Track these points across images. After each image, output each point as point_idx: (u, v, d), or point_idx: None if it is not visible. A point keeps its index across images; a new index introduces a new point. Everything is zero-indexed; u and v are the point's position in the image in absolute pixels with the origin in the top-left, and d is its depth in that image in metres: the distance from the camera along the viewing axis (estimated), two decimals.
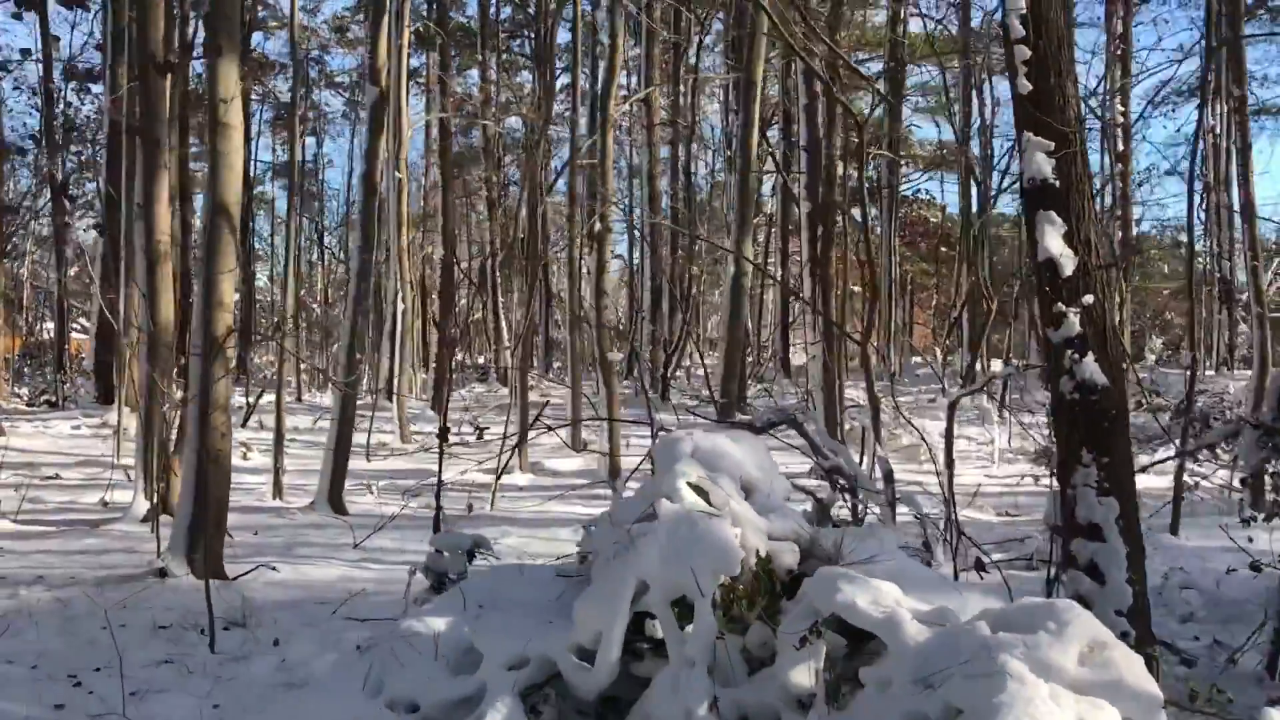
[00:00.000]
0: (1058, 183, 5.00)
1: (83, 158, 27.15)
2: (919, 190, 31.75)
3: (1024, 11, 5.05)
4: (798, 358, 32.52)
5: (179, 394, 9.16)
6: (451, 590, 4.14)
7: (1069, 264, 4.95)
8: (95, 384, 22.69)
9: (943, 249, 30.80)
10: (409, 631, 3.86)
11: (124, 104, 18.24)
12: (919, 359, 34.19)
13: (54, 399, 22.73)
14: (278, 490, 12.32)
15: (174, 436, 10.74)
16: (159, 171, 10.44)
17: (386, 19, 11.66)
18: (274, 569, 8.32)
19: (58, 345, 26.53)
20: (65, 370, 24.63)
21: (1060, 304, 4.95)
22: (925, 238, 33.46)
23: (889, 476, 7.74)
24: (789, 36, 9.55)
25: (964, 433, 20.02)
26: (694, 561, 3.74)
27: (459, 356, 32.43)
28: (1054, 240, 4.95)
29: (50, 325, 31.39)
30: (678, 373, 27.37)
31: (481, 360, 35.28)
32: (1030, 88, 5.04)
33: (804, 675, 3.55)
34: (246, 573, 8.26)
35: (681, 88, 28.16)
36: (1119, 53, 17.03)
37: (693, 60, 28.34)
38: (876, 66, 29.36)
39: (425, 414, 22.46)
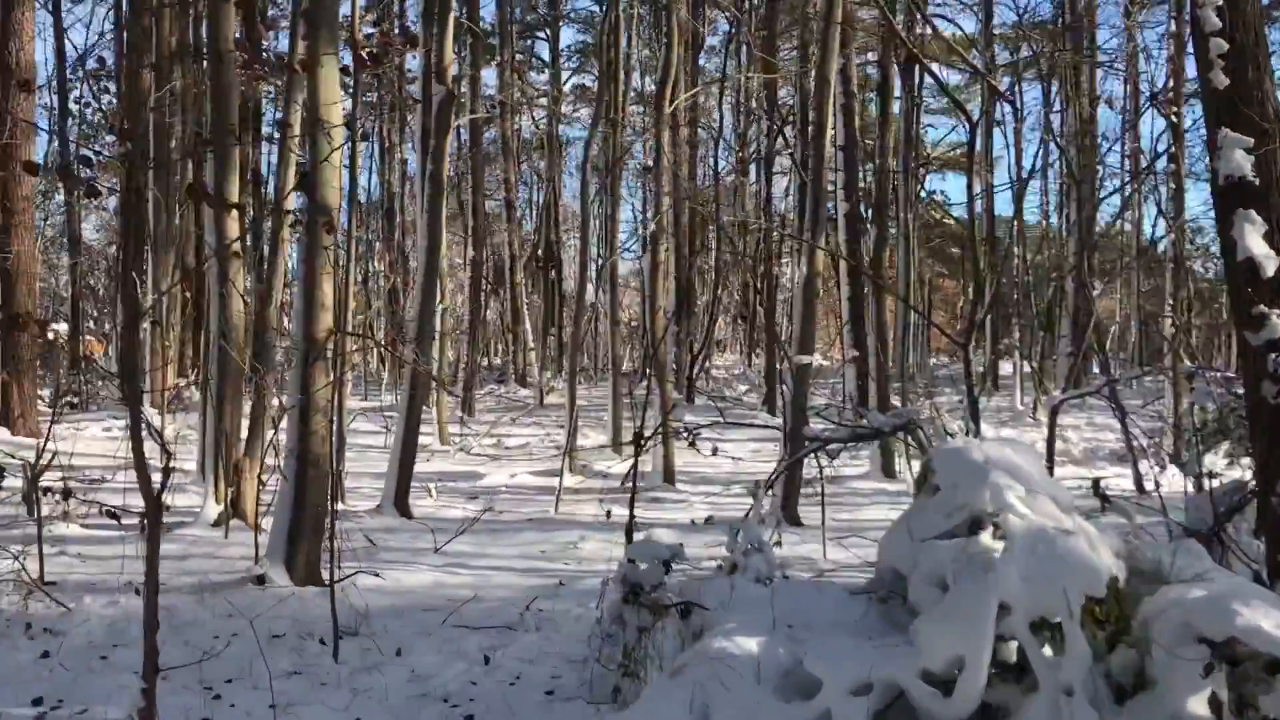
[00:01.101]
0: (1257, 180, 4.86)
1: (101, 156, 26.67)
2: (941, 193, 31.74)
3: (1219, 3, 4.92)
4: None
5: (280, 397, 8.94)
6: (753, 609, 3.94)
7: (1270, 264, 4.81)
8: (120, 385, 22.32)
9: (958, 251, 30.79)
10: (722, 653, 3.65)
11: (147, 101, 18.08)
12: (935, 360, 34.15)
13: (75, 400, 22.37)
14: (340, 494, 12.10)
15: (244, 439, 10.57)
16: (230, 172, 10.24)
17: (452, 16, 11.47)
18: (377, 574, 8.14)
19: (73, 345, 26.11)
20: (81, 371, 24.26)
21: (1261, 306, 4.81)
22: (941, 240, 33.44)
23: None
24: (904, 36, 9.41)
25: (999, 434, 20.06)
26: (1061, 581, 3.57)
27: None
28: (1254, 240, 4.81)
29: (60, 326, 30.91)
30: (700, 374, 27.25)
31: (498, 360, 35.06)
32: (1227, 82, 4.90)
33: (1197, 704, 3.37)
34: (345, 578, 8.06)
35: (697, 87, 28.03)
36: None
37: (710, 60, 28.21)
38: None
39: (453, 416, 22.24)
